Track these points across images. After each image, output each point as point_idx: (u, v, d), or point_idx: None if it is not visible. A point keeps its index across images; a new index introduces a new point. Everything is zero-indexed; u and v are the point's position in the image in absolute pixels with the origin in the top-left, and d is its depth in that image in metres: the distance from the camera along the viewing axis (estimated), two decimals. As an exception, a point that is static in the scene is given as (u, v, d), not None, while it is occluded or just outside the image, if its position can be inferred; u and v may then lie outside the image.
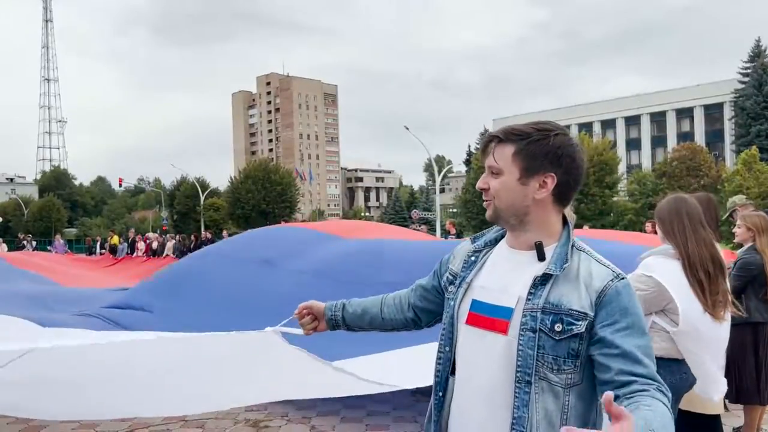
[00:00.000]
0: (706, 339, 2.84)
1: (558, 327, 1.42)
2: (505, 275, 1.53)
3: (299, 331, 1.99)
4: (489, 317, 1.50)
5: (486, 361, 1.48)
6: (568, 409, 1.42)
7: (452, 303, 1.60)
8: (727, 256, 4.13)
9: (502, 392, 1.45)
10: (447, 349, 1.58)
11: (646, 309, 2.85)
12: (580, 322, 1.41)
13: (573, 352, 1.42)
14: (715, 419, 3.50)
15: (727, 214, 5.79)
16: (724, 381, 3.00)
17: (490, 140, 1.55)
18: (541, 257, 1.49)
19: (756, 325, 4.21)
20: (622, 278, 1.46)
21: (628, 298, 1.44)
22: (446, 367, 1.57)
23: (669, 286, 2.81)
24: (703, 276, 2.81)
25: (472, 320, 1.53)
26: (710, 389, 2.95)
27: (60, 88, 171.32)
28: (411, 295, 1.86)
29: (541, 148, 1.49)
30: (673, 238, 2.92)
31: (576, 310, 1.42)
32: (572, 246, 1.52)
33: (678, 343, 2.85)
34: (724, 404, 4.17)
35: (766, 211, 4.92)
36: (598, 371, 1.42)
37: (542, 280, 1.46)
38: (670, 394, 1.38)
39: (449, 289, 1.64)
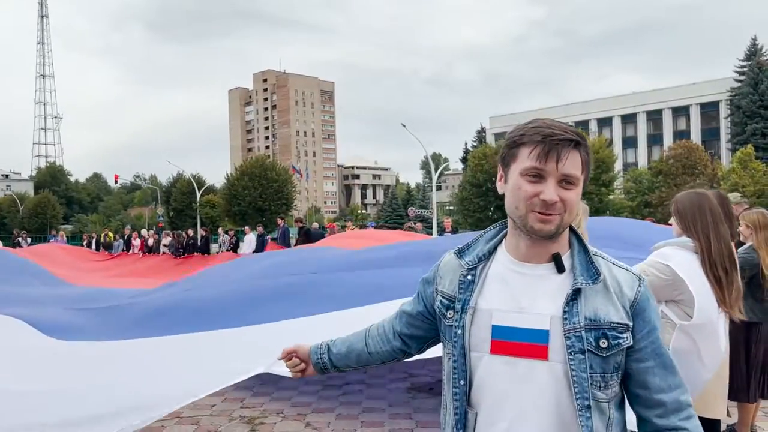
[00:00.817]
0: (717, 333, 2.86)
1: (603, 343, 1.34)
2: (522, 294, 1.39)
3: (287, 373, 1.88)
4: (520, 343, 1.36)
5: (522, 391, 1.36)
6: (612, 421, 1.38)
7: (459, 332, 1.42)
8: None
9: (547, 421, 1.36)
10: (462, 382, 1.41)
11: (656, 297, 2.86)
12: (625, 335, 1.36)
13: (617, 365, 1.37)
14: (716, 422, 3.51)
15: None
16: (706, 381, 2.99)
17: (570, 144, 1.34)
18: (561, 269, 1.39)
19: (749, 324, 4.23)
20: (644, 280, 1.43)
21: (651, 299, 1.42)
22: (463, 402, 1.42)
23: (686, 278, 2.79)
24: (722, 273, 2.81)
25: (497, 349, 1.38)
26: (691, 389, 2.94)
27: (56, 84, 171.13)
28: (396, 323, 1.71)
29: (590, 156, 1.41)
30: (695, 233, 2.90)
31: (618, 323, 1.35)
32: (591, 253, 1.42)
33: (682, 336, 2.84)
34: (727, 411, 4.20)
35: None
36: (635, 386, 1.40)
37: (573, 295, 1.36)
38: (693, 410, 1.41)
39: (448, 315, 1.47)
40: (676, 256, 2.85)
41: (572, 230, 1.45)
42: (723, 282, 2.81)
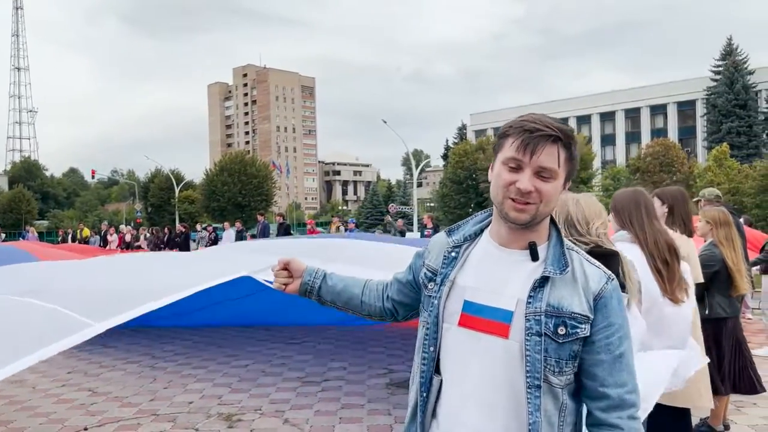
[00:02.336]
0: (667, 319, 2.95)
1: (561, 330, 1.39)
2: (496, 275, 1.47)
3: (270, 280, 1.97)
4: (486, 319, 1.45)
5: (482, 364, 1.44)
6: (566, 408, 1.43)
7: (435, 302, 1.53)
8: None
9: (499, 396, 1.42)
10: (431, 349, 1.52)
11: None
12: (583, 326, 1.41)
13: (573, 353, 1.42)
14: (686, 411, 3.57)
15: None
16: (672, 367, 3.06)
17: (548, 138, 1.39)
18: (535, 257, 1.45)
19: (718, 320, 4.29)
20: (613, 279, 1.47)
21: (619, 301, 1.46)
22: (430, 368, 1.51)
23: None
24: (661, 265, 2.94)
25: (465, 322, 1.47)
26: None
27: (31, 78, 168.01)
28: (388, 288, 1.84)
29: (576, 153, 1.47)
30: (632, 228, 3.04)
31: (578, 313, 1.41)
32: (565, 246, 1.49)
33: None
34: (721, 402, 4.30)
35: (729, 207, 5.03)
36: (583, 375, 1.44)
37: (541, 282, 1.42)
38: (639, 413, 1.43)
39: (429, 286, 1.58)
40: (620, 246, 2.96)
41: (553, 223, 1.52)
42: (663, 273, 2.93)
